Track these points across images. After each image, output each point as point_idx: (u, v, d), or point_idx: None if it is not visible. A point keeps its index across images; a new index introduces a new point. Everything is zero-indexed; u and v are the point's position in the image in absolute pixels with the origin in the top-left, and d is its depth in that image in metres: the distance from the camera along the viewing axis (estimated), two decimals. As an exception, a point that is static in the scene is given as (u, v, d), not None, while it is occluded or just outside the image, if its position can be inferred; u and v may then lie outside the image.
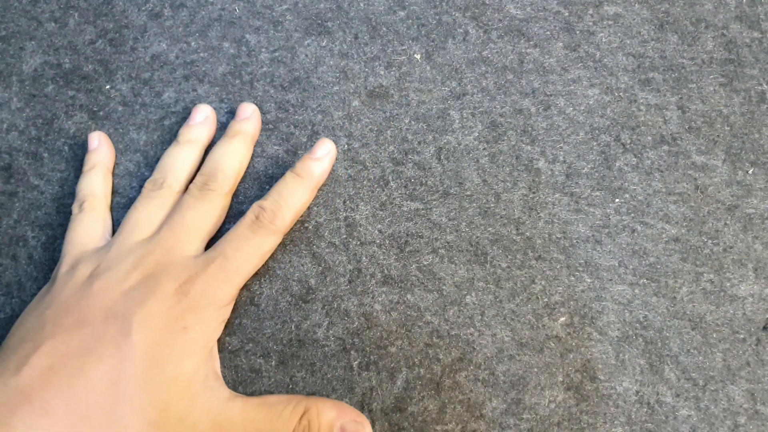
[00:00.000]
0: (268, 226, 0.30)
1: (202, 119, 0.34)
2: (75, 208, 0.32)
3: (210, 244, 0.31)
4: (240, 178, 0.33)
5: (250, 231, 0.30)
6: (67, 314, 0.27)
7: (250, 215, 0.30)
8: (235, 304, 0.31)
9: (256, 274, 0.32)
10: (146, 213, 0.31)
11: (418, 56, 0.36)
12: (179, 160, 0.33)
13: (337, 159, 0.34)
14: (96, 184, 0.33)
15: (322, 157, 0.32)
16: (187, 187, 0.32)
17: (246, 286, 0.32)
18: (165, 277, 0.28)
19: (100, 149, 0.34)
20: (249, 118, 0.34)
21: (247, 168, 0.34)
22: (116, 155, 0.35)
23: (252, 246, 0.29)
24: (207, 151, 0.34)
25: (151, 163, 0.35)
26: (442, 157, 0.34)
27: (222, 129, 0.35)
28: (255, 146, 0.34)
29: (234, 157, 0.32)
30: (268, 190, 0.33)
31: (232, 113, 0.35)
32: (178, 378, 0.26)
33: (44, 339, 0.26)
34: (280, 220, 0.30)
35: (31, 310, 0.28)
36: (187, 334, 0.27)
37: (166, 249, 0.29)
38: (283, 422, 0.27)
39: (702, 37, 0.37)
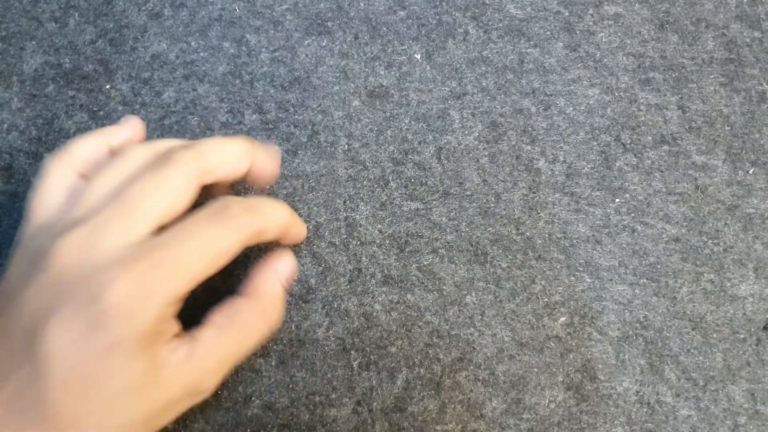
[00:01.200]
0: (233, 219, 0.24)
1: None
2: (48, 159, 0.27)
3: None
4: (230, 176, 0.27)
5: (208, 220, 0.24)
6: (5, 308, 0.23)
7: (216, 204, 0.25)
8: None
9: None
10: (98, 183, 0.25)
11: (418, 56, 0.36)
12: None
13: (337, 159, 0.34)
14: (87, 148, 0.28)
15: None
16: None
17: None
18: (90, 273, 0.22)
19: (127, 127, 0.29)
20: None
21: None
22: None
23: (206, 236, 0.24)
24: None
25: (152, 163, 0.35)
26: (442, 157, 0.34)
27: (222, 129, 0.35)
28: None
29: (220, 147, 0.27)
30: (268, 188, 0.33)
31: (232, 113, 0.35)
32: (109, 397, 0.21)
33: None
34: (248, 218, 0.25)
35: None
36: (116, 351, 0.21)
37: (98, 229, 0.23)
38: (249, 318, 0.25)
39: (702, 37, 0.37)
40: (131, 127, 0.29)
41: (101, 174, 0.25)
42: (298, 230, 0.30)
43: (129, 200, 0.23)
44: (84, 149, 0.27)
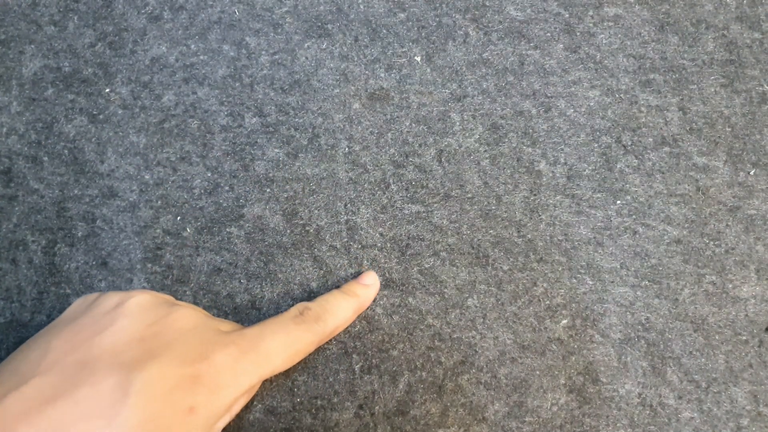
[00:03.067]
0: (311, 324, 0.28)
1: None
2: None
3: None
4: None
5: (292, 322, 0.28)
6: (73, 351, 0.24)
7: (293, 310, 0.29)
8: (236, 308, 0.31)
9: (257, 277, 0.32)
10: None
11: (418, 58, 0.36)
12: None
13: (337, 161, 0.34)
14: None
15: (369, 284, 0.32)
16: None
17: (247, 290, 0.32)
18: (190, 333, 0.25)
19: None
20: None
21: (248, 170, 0.34)
22: (116, 158, 0.35)
23: (290, 336, 0.27)
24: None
25: (151, 166, 0.34)
26: (443, 160, 0.34)
27: (222, 132, 0.35)
28: (255, 149, 0.34)
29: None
30: (269, 192, 0.33)
31: (232, 116, 0.35)
32: None
33: (34, 374, 0.23)
34: (322, 323, 0.29)
35: (43, 333, 0.26)
36: (191, 418, 0.23)
37: (206, 314, 0.27)
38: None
39: (702, 38, 0.37)
40: None
41: None
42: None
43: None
44: None
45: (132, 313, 0.25)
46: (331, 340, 0.31)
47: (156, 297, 0.26)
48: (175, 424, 0.23)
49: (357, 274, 0.32)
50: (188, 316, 0.26)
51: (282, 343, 0.27)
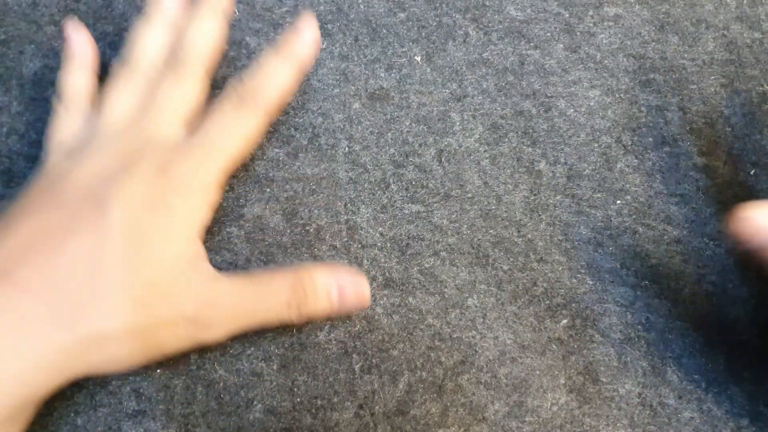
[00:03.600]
0: (251, 103, 0.29)
1: None
2: (58, 106, 0.31)
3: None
4: (216, 55, 0.31)
5: (233, 110, 0.29)
6: (44, 199, 0.26)
7: (230, 92, 0.29)
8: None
9: (257, 277, 0.32)
10: (118, 98, 0.29)
11: (418, 58, 0.36)
12: (149, 38, 0.31)
13: (337, 161, 0.34)
14: (81, 82, 0.31)
15: (308, 41, 0.31)
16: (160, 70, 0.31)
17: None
18: (144, 159, 0.27)
19: (79, 42, 0.32)
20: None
21: (248, 170, 0.34)
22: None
23: (237, 126, 0.28)
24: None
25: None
26: (443, 160, 0.34)
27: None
28: (255, 149, 0.34)
29: (206, 33, 0.30)
30: (269, 192, 0.33)
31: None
32: (162, 257, 0.25)
33: (19, 220, 0.25)
34: (261, 97, 0.29)
35: (12, 204, 0.27)
36: (170, 213, 0.26)
37: (144, 133, 0.28)
38: (275, 295, 0.27)
39: (702, 38, 0.37)
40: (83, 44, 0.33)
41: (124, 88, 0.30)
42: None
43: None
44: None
45: (82, 162, 0.27)
46: (331, 340, 0.31)
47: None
48: (158, 222, 0.25)
49: (357, 274, 0.32)
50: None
51: (231, 136, 0.28)
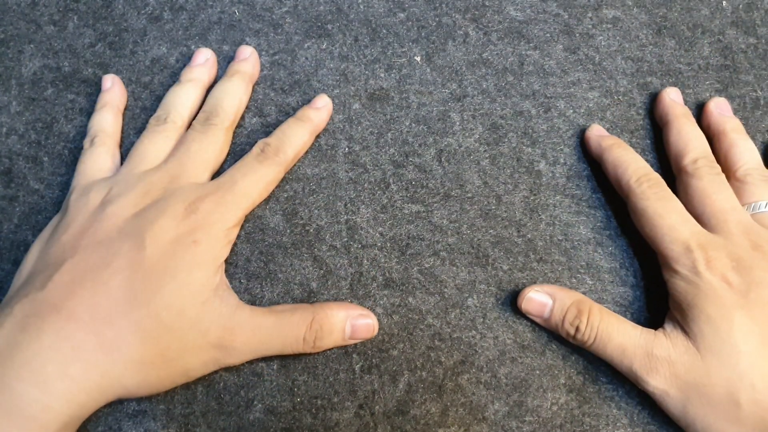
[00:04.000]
0: (273, 158, 0.32)
1: (203, 61, 0.36)
2: (86, 143, 0.34)
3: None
4: (240, 114, 0.35)
5: (257, 161, 0.32)
6: (84, 237, 0.29)
7: (255, 149, 0.32)
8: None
9: (257, 276, 0.32)
10: (152, 145, 0.33)
11: (418, 58, 0.36)
12: (181, 97, 0.34)
13: (337, 161, 0.34)
14: (107, 121, 0.34)
15: (321, 107, 0.34)
16: (190, 125, 0.34)
17: (247, 290, 0.32)
18: (174, 199, 0.30)
19: (113, 90, 0.35)
20: (247, 59, 0.35)
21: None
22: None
23: (258, 174, 0.31)
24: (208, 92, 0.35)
25: (151, 167, 0.34)
26: (442, 160, 0.34)
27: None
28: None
29: (233, 95, 0.34)
30: (272, 189, 0.33)
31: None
32: (190, 285, 0.28)
33: (65, 259, 0.28)
34: (283, 154, 0.32)
35: (47, 238, 0.30)
36: (197, 248, 0.29)
37: (174, 176, 0.31)
38: (292, 328, 0.29)
39: (698, 43, 0.37)
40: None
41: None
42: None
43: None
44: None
45: (116, 199, 0.30)
46: (331, 340, 0.31)
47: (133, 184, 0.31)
48: (186, 255, 0.28)
49: (357, 274, 0.32)
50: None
51: (252, 181, 0.31)
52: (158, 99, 0.36)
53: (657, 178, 0.31)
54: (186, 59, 0.36)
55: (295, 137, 0.33)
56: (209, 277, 0.29)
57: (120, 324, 0.27)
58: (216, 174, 0.33)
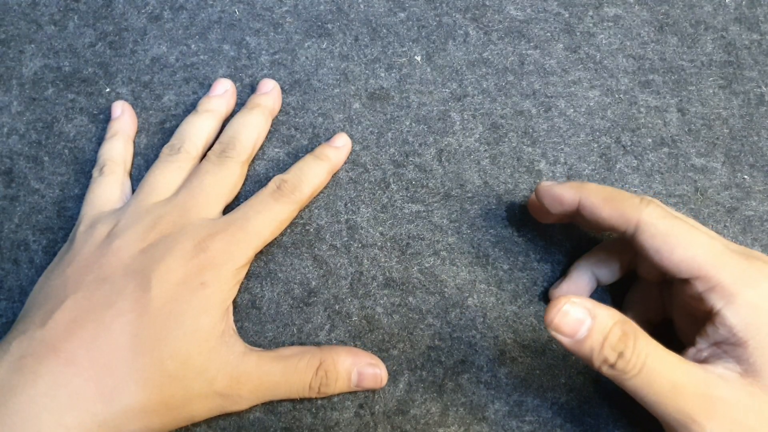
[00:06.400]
0: (289, 196, 0.31)
1: (222, 92, 0.35)
2: (95, 172, 0.33)
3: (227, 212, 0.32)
4: (257, 148, 0.34)
5: (272, 198, 0.31)
6: (88, 272, 0.28)
7: (271, 185, 0.31)
8: (236, 308, 0.31)
9: (257, 276, 0.32)
10: (164, 176, 0.32)
11: (418, 58, 0.36)
12: (197, 127, 0.33)
13: (338, 161, 0.34)
14: (116, 149, 0.34)
15: (340, 147, 0.34)
16: (204, 155, 0.33)
17: (247, 289, 0.32)
18: (183, 236, 0.28)
19: (123, 117, 0.35)
20: (269, 92, 0.35)
21: (249, 170, 0.34)
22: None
23: (272, 212, 0.30)
24: (225, 124, 0.35)
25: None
26: (443, 159, 0.34)
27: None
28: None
29: (252, 128, 0.33)
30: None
31: (231, 115, 0.35)
32: (196, 332, 0.27)
33: (67, 295, 0.27)
34: (299, 192, 0.31)
35: (52, 269, 0.29)
36: (205, 290, 0.27)
37: (185, 210, 0.30)
38: (299, 375, 0.28)
39: (701, 39, 0.37)
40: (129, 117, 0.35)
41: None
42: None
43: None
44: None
45: (123, 233, 0.29)
46: (331, 340, 0.31)
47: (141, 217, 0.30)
48: (193, 299, 0.27)
49: (357, 273, 0.32)
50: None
51: (266, 219, 0.30)
52: (158, 98, 0.36)
53: None
54: (186, 58, 0.36)
55: (313, 176, 0.32)
56: (216, 322, 0.28)
57: (121, 371, 0.26)
58: (228, 208, 0.32)
